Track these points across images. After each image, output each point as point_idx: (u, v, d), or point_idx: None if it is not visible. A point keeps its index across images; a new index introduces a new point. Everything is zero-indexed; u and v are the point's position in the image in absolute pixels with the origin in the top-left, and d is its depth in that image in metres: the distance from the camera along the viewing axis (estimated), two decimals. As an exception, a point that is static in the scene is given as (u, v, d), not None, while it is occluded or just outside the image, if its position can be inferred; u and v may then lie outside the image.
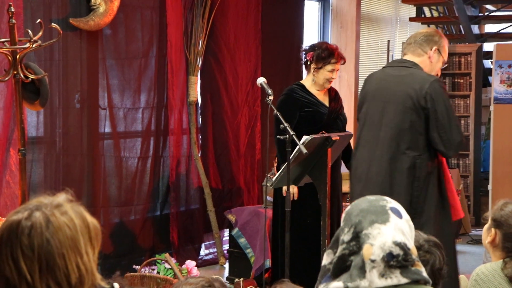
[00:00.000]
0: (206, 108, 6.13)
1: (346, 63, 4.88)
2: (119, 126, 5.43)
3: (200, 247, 6.05)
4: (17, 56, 3.78)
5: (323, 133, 4.19)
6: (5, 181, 4.64)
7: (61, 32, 3.98)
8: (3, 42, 3.80)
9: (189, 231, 5.92)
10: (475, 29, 8.00)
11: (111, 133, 5.39)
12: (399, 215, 1.82)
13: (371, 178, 3.84)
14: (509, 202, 2.74)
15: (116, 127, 5.41)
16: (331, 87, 4.78)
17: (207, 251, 6.16)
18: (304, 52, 4.75)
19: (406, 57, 3.98)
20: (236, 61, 6.22)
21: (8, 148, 4.65)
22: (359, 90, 7.66)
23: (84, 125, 5.20)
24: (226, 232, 6.05)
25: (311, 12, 7.42)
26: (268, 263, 5.07)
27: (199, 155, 5.98)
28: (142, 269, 4.94)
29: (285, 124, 3.93)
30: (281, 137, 3.95)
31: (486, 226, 2.77)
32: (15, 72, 3.79)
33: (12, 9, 3.78)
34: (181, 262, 5.26)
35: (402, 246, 1.77)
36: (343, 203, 4.99)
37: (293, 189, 4.45)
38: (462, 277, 3.62)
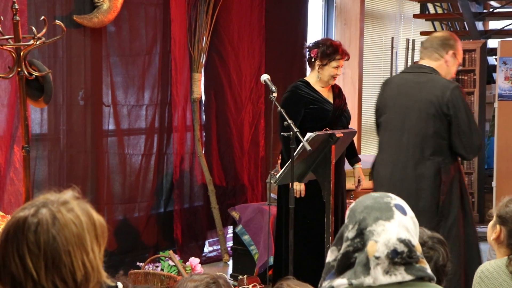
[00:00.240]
0: (209, 105, 6.13)
1: (350, 60, 4.88)
2: (123, 123, 5.43)
3: (204, 244, 6.06)
4: (21, 53, 3.78)
5: (326, 130, 4.18)
6: (9, 178, 4.65)
7: (65, 29, 3.97)
8: (7, 39, 3.80)
9: (193, 228, 5.92)
10: (479, 25, 7.98)
11: (115, 130, 5.40)
12: (404, 212, 1.82)
13: (394, 184, 3.97)
14: (514, 199, 2.74)
15: (120, 124, 5.41)
16: (334, 83, 4.78)
17: (210, 248, 6.16)
18: (307, 49, 4.73)
19: (423, 62, 4.10)
20: (239, 58, 6.22)
21: (12, 145, 4.66)
22: (363, 87, 7.70)
23: (88, 122, 5.20)
24: (230, 229, 6.05)
25: (315, 9, 7.42)
26: (272, 260, 5.07)
27: (203, 152, 5.98)
28: (146, 266, 4.95)
29: (289, 121, 3.92)
30: (285, 134, 3.95)
31: (491, 223, 2.77)
32: (19, 69, 3.79)
33: (16, 6, 3.78)
34: (185, 259, 5.26)
35: (406, 243, 1.77)
36: (347, 200, 4.99)
37: (301, 186, 4.45)
38: None
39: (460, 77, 7.64)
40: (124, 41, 5.40)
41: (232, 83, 6.19)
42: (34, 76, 3.84)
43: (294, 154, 3.91)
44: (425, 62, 4.08)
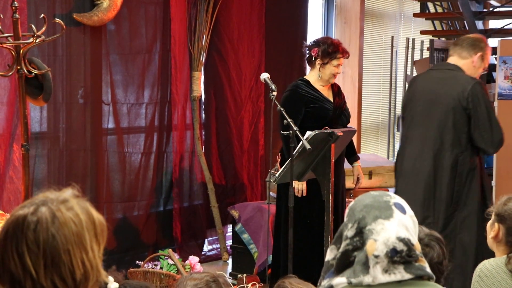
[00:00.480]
0: (209, 104, 6.13)
1: (350, 58, 4.90)
2: (122, 121, 5.43)
3: (203, 243, 6.06)
4: (21, 51, 3.78)
5: (326, 128, 4.18)
6: (8, 177, 4.65)
7: (64, 27, 3.97)
8: (6, 37, 3.80)
9: (192, 227, 5.92)
10: (479, 24, 7.97)
11: (115, 128, 5.40)
12: (403, 211, 1.82)
13: (416, 174, 4.19)
14: (513, 197, 2.74)
15: (120, 123, 5.41)
16: (334, 82, 4.78)
17: (210, 247, 6.16)
18: (307, 48, 4.72)
19: (451, 59, 4.30)
20: (239, 57, 6.21)
21: (12, 144, 4.66)
22: (362, 85, 7.69)
23: (88, 120, 5.20)
24: (229, 228, 6.05)
25: (315, 8, 7.41)
26: (271, 259, 5.07)
27: (203, 150, 5.98)
28: (145, 265, 4.95)
29: (289, 120, 3.92)
30: (285, 132, 3.95)
31: (489, 222, 2.78)
32: (18, 67, 3.79)
33: (16, 4, 3.78)
34: (184, 258, 5.26)
35: (406, 242, 1.77)
36: (347, 199, 4.99)
37: (302, 185, 4.45)
38: None
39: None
40: (124, 40, 5.39)
41: (232, 81, 6.19)
42: (33, 74, 3.84)
43: (294, 153, 3.91)
44: (453, 60, 4.27)
